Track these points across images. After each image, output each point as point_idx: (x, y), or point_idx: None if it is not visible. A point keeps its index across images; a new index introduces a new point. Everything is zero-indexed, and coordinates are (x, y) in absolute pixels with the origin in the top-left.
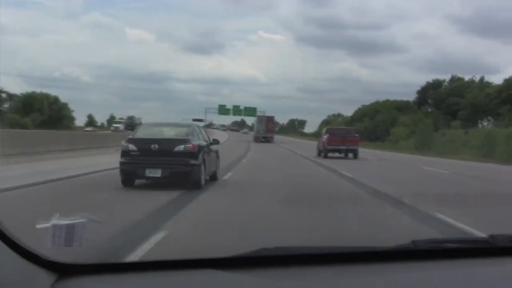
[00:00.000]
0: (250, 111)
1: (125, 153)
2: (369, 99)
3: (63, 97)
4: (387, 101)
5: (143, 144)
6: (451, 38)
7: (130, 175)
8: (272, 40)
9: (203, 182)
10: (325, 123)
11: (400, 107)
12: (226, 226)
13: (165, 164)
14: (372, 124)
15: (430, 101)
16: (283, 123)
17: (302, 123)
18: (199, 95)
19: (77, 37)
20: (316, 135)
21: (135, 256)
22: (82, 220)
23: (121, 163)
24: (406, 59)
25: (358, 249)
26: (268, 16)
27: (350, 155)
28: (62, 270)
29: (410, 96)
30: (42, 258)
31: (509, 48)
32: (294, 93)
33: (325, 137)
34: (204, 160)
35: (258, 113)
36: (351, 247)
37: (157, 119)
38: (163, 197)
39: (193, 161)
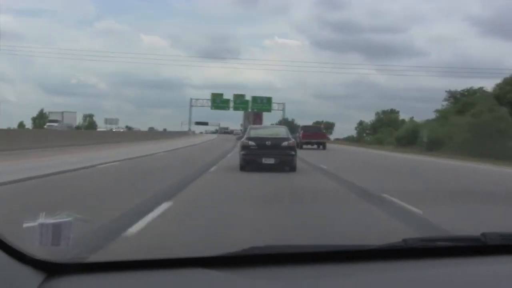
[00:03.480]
0: (262, 104)
1: (245, 147)
2: (386, 104)
3: (78, 105)
4: None
5: (260, 141)
6: (471, 40)
7: (249, 163)
8: (288, 45)
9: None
10: (379, 121)
11: None
12: (210, 220)
13: (276, 155)
14: None
15: None
16: None
17: (330, 126)
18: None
19: (92, 44)
20: (351, 140)
21: None
22: (68, 219)
23: (243, 154)
24: (424, 63)
25: (349, 248)
26: (284, 21)
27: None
28: (51, 269)
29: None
30: (30, 257)
31: None
32: (310, 98)
33: (300, 133)
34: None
35: (273, 106)
36: (342, 246)
37: (171, 126)
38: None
39: (293, 152)
